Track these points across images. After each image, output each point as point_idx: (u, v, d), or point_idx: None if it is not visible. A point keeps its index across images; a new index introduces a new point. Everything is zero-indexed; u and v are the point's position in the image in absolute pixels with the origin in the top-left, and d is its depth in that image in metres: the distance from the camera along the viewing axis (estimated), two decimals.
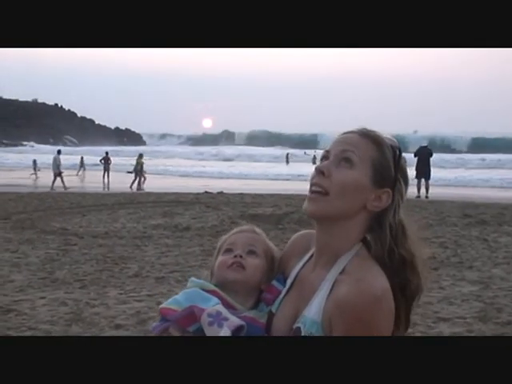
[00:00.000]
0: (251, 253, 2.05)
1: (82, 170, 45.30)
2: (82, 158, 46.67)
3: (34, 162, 43.93)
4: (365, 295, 1.72)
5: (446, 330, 6.71)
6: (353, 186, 1.85)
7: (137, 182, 32.65)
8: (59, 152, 33.49)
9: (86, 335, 6.45)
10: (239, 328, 1.85)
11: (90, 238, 13.20)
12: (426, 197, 24.75)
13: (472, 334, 6.54)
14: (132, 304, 7.76)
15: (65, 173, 32.64)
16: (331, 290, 1.82)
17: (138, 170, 33.11)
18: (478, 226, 15.03)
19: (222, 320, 1.84)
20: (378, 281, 1.77)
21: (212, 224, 15.06)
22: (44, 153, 74.50)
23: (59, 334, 6.48)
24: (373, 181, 1.85)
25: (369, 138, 1.89)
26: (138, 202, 21.35)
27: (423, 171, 25.53)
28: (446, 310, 7.53)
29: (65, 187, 30.51)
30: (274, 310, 1.97)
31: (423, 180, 25.68)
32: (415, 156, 26.04)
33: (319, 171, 1.86)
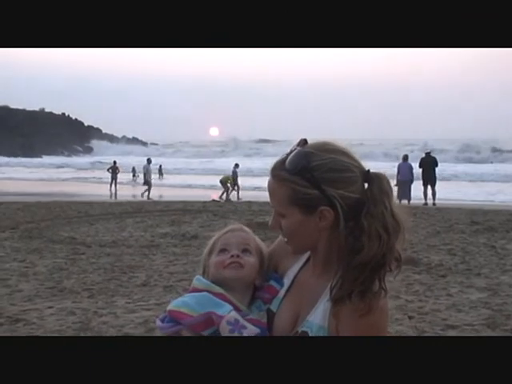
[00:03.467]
0: (246, 251, 2.13)
1: (161, 177, 45.71)
2: (160, 166, 46.90)
3: (133, 169, 44.39)
4: (371, 307, 1.82)
5: None
6: (292, 229, 1.98)
7: (226, 193, 30.14)
8: (149, 161, 32.94)
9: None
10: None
11: (97, 247, 13.20)
12: (434, 204, 24.66)
13: None
14: (140, 313, 7.76)
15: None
16: None
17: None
18: (486, 232, 14.99)
19: (241, 328, 1.97)
20: (379, 288, 1.86)
21: None
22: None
23: None
24: (304, 212, 1.93)
25: (275, 178, 1.97)
26: (145, 210, 21.34)
27: (428, 178, 25.47)
28: (455, 318, 7.51)
29: (148, 197, 30.16)
30: (273, 310, 2.08)
31: (429, 187, 25.62)
32: (420, 167, 25.96)
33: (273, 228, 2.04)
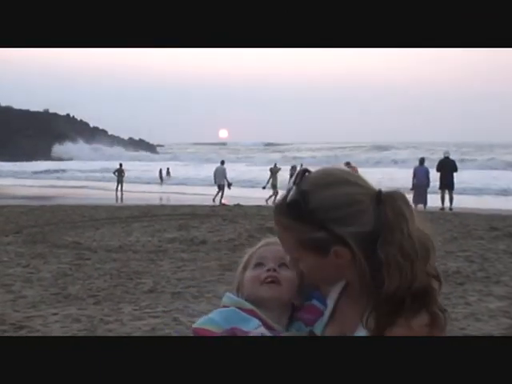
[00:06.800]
0: (283, 265, 2.00)
1: (169, 176, 46.67)
2: (168, 168, 47.85)
3: (160, 171, 44.95)
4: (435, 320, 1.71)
5: None
6: (311, 271, 1.82)
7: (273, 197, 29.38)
8: (223, 163, 31.96)
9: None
10: None
11: (103, 252, 13.12)
12: (450, 209, 24.42)
13: None
14: (147, 320, 7.70)
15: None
16: None
17: (275, 185, 30.50)
18: (506, 239, 14.69)
19: None
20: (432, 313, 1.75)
21: (229, 237, 14.90)
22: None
23: None
24: (317, 254, 1.77)
25: (278, 225, 1.83)
26: (152, 214, 21.26)
27: (446, 183, 25.27)
28: (473, 327, 7.40)
29: (220, 201, 29.32)
30: (317, 333, 1.93)
31: (447, 191, 25.38)
32: (438, 171, 25.81)
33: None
